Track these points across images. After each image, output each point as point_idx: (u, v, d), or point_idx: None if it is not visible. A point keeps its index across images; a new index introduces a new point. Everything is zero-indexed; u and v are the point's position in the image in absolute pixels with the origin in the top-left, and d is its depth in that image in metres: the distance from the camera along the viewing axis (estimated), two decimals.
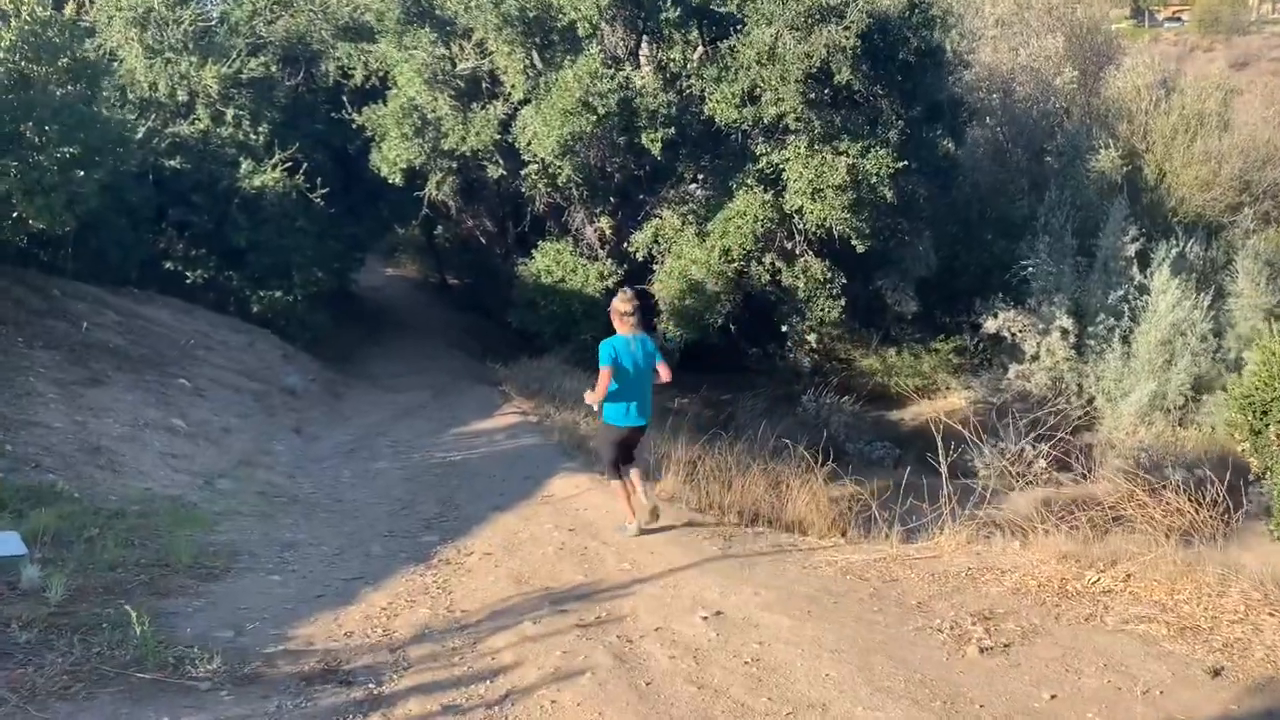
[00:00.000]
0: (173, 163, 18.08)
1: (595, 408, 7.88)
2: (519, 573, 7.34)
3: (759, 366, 25.24)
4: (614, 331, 8.00)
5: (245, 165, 18.86)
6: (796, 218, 19.59)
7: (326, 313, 20.92)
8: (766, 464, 12.38)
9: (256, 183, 18.61)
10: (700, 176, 21.63)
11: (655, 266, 20.77)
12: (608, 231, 20.90)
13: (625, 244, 20.93)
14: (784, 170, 19.53)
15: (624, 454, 8.10)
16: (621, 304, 7.88)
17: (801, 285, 19.98)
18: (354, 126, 20.34)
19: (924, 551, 8.02)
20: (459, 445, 13.69)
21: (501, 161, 19.96)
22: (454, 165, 20.06)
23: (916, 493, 19.56)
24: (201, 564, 7.17)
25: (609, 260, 21.11)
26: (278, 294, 20.08)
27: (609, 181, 20.89)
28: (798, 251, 20.01)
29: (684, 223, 20.40)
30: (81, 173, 13.44)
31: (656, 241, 20.54)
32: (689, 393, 23.93)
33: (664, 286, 20.01)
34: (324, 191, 19.52)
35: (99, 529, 7.36)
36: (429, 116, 19.22)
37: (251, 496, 9.75)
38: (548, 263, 21.39)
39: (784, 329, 22.80)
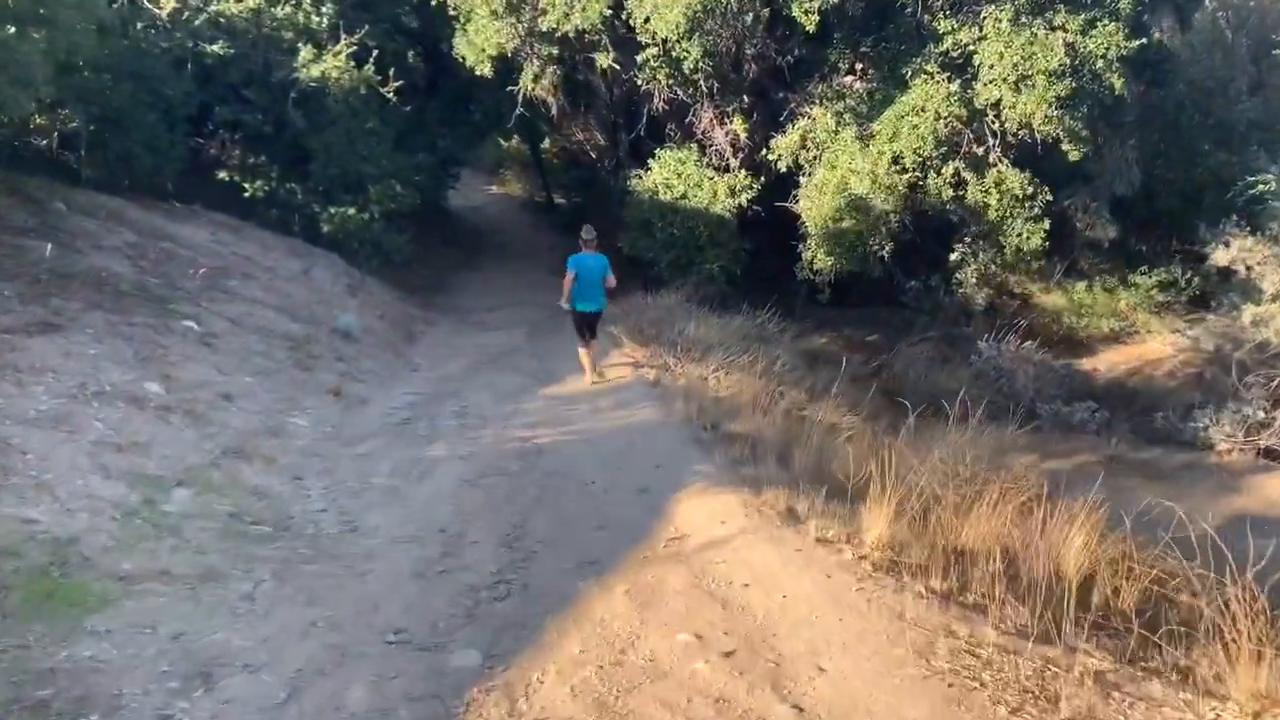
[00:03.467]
0: (215, 48, 14.29)
1: (565, 307, 11.16)
2: None
3: (916, 303, 20.57)
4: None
5: (305, 52, 14.97)
6: (991, 115, 14.77)
7: (407, 234, 17.14)
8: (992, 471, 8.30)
9: (315, 72, 14.76)
10: (860, 65, 16.86)
11: (801, 179, 16.25)
12: (742, 135, 16.41)
13: (763, 151, 16.42)
14: (975, 53, 14.67)
15: (589, 329, 11.21)
16: (586, 234, 11.11)
17: (994, 203, 15.20)
18: (434, 4, 16.16)
19: None
20: (549, 416, 9.76)
21: (611, 47, 15.55)
22: (555, 52, 15.78)
23: (1143, 471, 14.39)
24: None
25: (742, 172, 16.67)
26: (350, 211, 16.32)
27: (744, 71, 16.34)
28: (991, 159, 15.17)
29: (839, 123, 15.76)
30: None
31: (804, 147, 15.99)
32: (828, 331, 19.51)
33: (813, 205, 15.51)
34: (397, 85, 15.55)
35: None
36: None
37: (210, 528, 5.99)
38: (666, 175, 17.09)
39: (955, 258, 18.12)
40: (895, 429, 14.03)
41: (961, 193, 15.41)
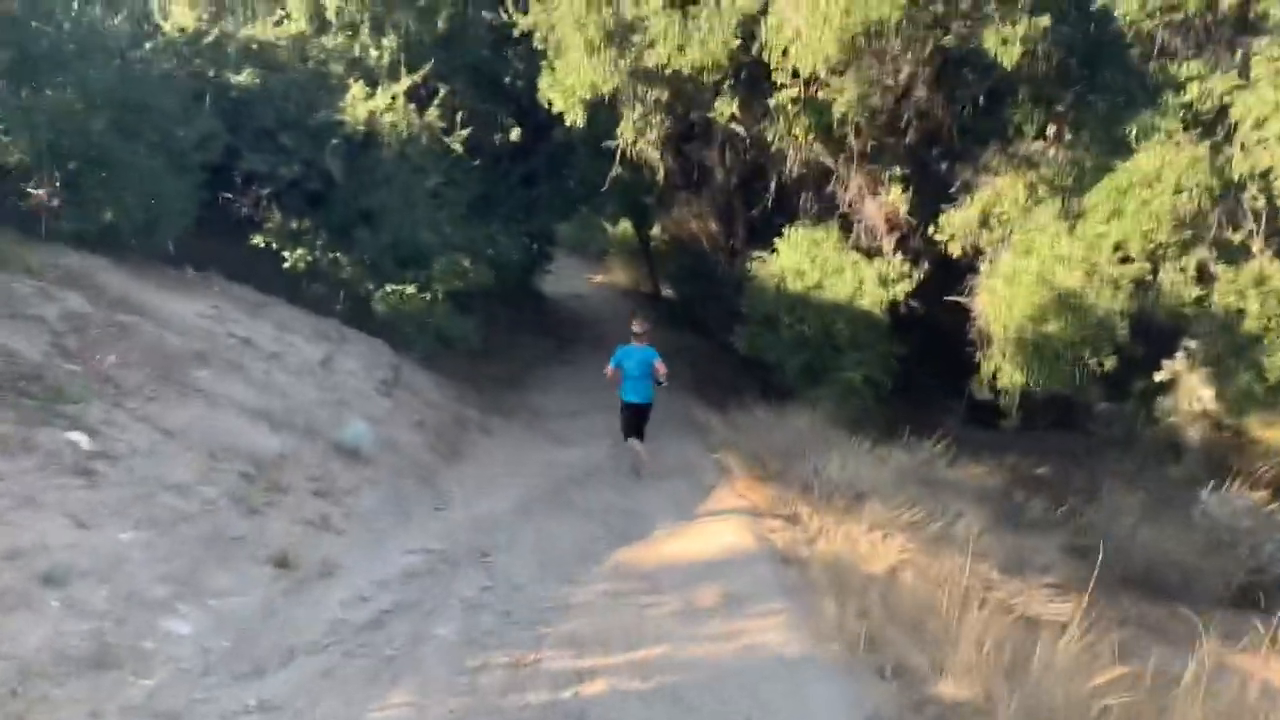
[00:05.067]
0: (241, 78, 11.22)
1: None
2: None
3: (1106, 430, 15.95)
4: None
5: (355, 89, 11.79)
6: (1254, 188, 10.49)
7: (475, 319, 13.63)
8: None
9: (361, 112, 11.49)
10: (1053, 127, 12.78)
11: (981, 265, 12.14)
12: (901, 209, 12.47)
13: (927, 230, 12.39)
14: (1233, 104, 10.50)
15: (632, 426, 10.16)
16: (637, 327, 10.35)
17: (1253, 308, 10.77)
18: (516, 37, 12.86)
19: None
20: (614, 624, 5.77)
21: (736, 91, 11.91)
22: (663, 97, 12.21)
23: None
24: None
25: (898, 256, 12.68)
26: (408, 289, 12.91)
27: (903, 129, 12.47)
28: (1254, 247, 10.81)
29: (1030, 195, 11.67)
30: None
31: (987, 225, 11.90)
32: (986, 458, 15.02)
33: (1000, 301, 11.37)
34: (465, 133, 12.25)
35: None
36: (627, 15, 11.41)
37: None
38: (797, 259, 13.23)
39: (1164, 375, 13.63)
40: (1147, 629, 9.67)
41: (1205, 292, 11.03)
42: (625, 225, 27.93)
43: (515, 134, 14.60)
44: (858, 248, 12.99)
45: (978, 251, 12.20)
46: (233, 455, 7.27)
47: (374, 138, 12.16)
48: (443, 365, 13.49)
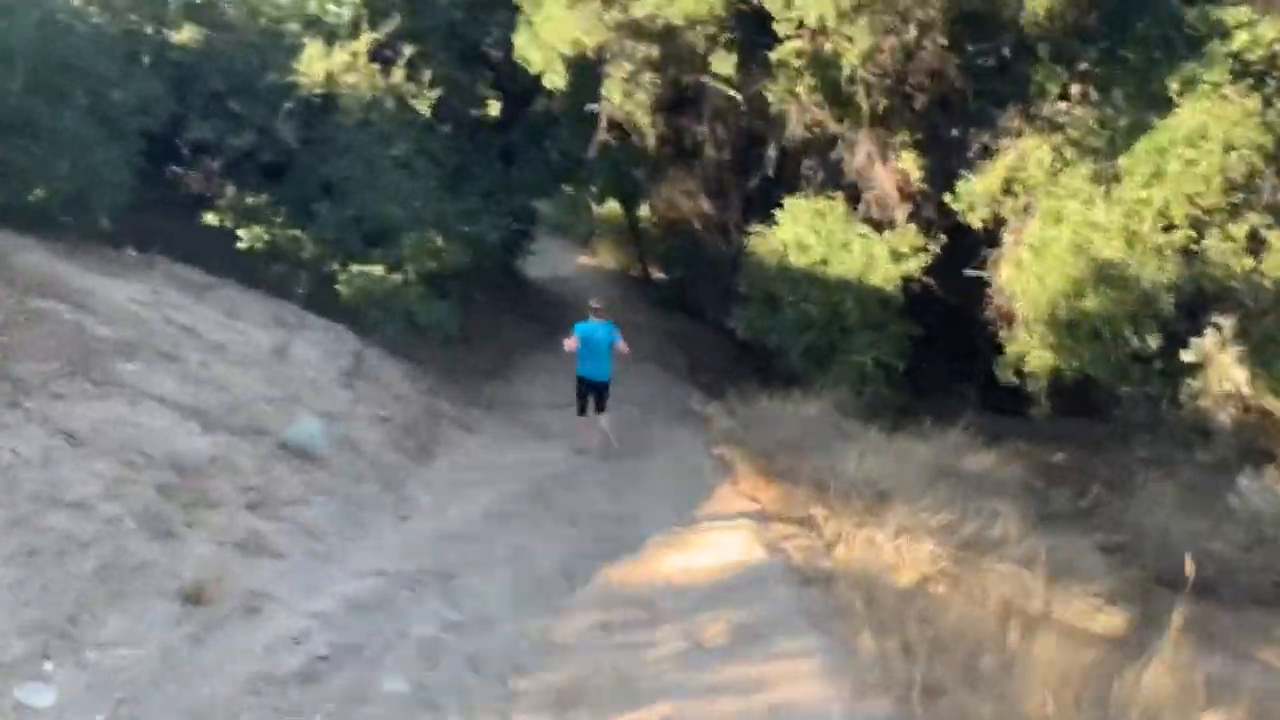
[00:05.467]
0: (182, 35, 9.96)
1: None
2: None
3: (1133, 414, 14.84)
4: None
5: (311, 48, 10.54)
6: None
7: (449, 301, 12.41)
8: None
9: (318, 71, 10.27)
10: (1079, 87, 11.61)
11: (1005, 237, 11.00)
12: (914, 176, 11.29)
13: (945, 197, 11.24)
14: None
15: (593, 401, 10.09)
16: (595, 304, 10.37)
17: None
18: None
19: None
20: (601, 668, 4.62)
21: (734, 48, 10.70)
22: (653, 54, 10.96)
23: None
24: None
25: (912, 228, 11.52)
26: (376, 271, 11.67)
27: (916, 86, 11.31)
28: None
29: (1059, 157, 10.54)
30: None
31: (1010, 192, 10.76)
32: (1001, 445, 13.87)
33: (1028, 275, 10.23)
34: (435, 95, 11.01)
35: None
36: None
37: None
38: (800, 232, 12.05)
39: (1191, 356, 12.52)
40: (1203, 636, 8.53)
41: (1258, 262, 9.92)
42: (612, 205, 26.63)
43: (494, 107, 13.37)
44: (867, 219, 11.82)
45: (999, 221, 11.05)
46: (151, 462, 6.07)
47: (333, 101, 10.93)
48: (415, 353, 12.26)
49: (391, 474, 8.26)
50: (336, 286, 11.78)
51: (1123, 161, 10.07)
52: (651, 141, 12.03)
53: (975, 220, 10.85)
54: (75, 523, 4.99)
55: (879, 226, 11.76)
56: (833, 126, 11.57)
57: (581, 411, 10.20)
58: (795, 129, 11.38)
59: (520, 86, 14.86)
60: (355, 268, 11.74)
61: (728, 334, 20.02)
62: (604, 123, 11.62)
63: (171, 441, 6.47)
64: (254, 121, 10.80)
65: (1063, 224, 10.07)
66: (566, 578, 6.30)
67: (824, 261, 11.85)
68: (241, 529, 5.89)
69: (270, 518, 6.25)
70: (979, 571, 7.27)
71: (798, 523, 7.85)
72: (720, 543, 6.97)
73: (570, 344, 9.77)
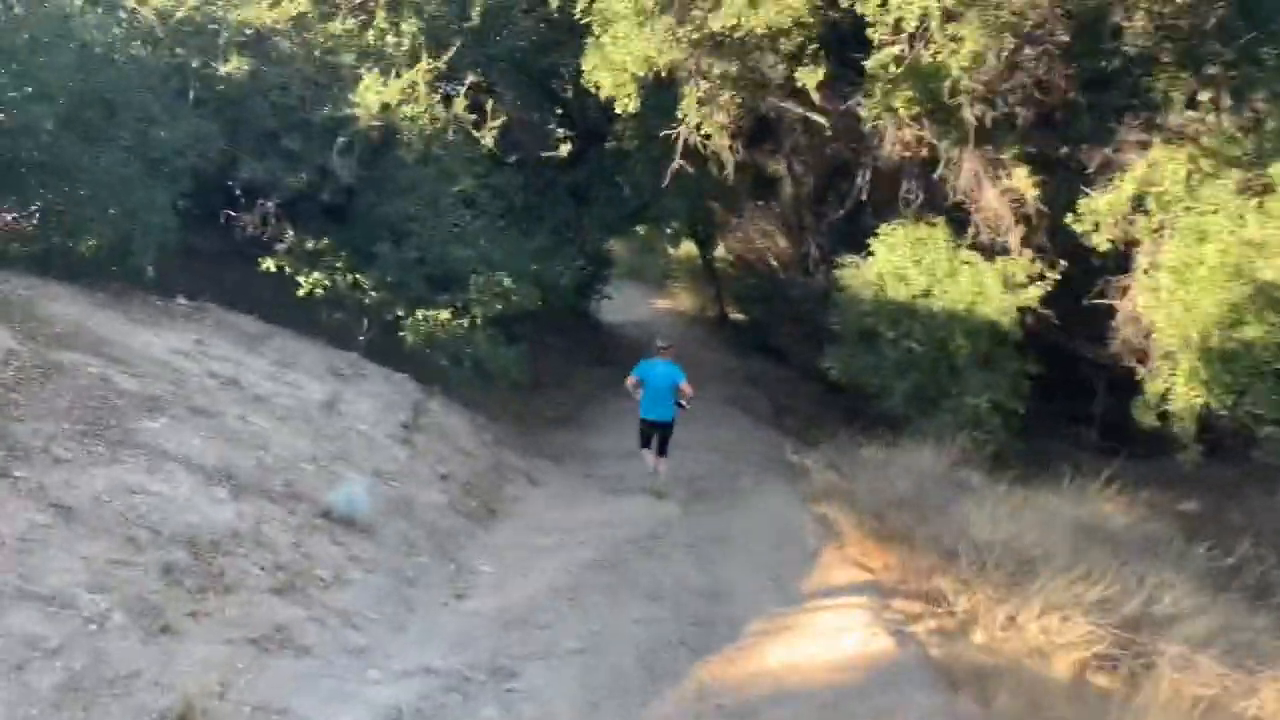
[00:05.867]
0: (228, 67, 9.28)
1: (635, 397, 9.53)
2: None
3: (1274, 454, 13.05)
4: None
5: (368, 79, 9.78)
6: None
7: (519, 347, 11.46)
8: None
9: (373, 103, 9.46)
10: (1208, 95, 10.21)
11: (1139, 260, 9.60)
12: (1028, 194, 9.97)
13: (1067, 219, 9.87)
14: None
15: (657, 443, 9.48)
16: (661, 343, 10.00)
17: None
18: (557, 20, 10.76)
19: None
20: None
21: (822, 60, 9.60)
22: (731, 70, 9.92)
23: None
24: None
25: (1026, 253, 10.19)
26: (442, 315, 10.80)
27: (1025, 97, 10.04)
28: None
29: (1196, 169, 9.14)
30: None
31: (1141, 209, 9.37)
32: (1114, 490, 12.19)
33: (1172, 304, 8.80)
34: (499, 125, 10.13)
35: None
36: None
37: None
38: (898, 261, 10.83)
39: None
40: None
41: None
42: (688, 247, 25.74)
43: (564, 145, 12.45)
44: (975, 245, 10.52)
45: (1128, 244, 9.65)
46: (158, 539, 5.12)
47: (392, 135, 10.12)
48: (481, 403, 11.33)
49: (449, 541, 7.21)
50: (401, 334, 10.96)
51: (1274, 171, 8.63)
52: (730, 169, 10.91)
53: (1102, 242, 9.47)
54: (46, 624, 4.01)
55: (988, 253, 10.44)
56: (933, 142, 10.32)
57: (645, 445, 9.64)
58: (891, 148, 10.18)
59: (591, 122, 14.03)
60: (420, 313, 10.90)
61: (813, 376, 18.73)
62: (680, 149, 10.56)
63: (189, 512, 5.53)
64: (309, 159, 10.06)
65: (1208, 243, 8.64)
66: (650, 674, 5.13)
67: (927, 293, 10.58)
68: (262, 619, 4.88)
69: (299, 602, 5.23)
70: (1151, 656, 5.90)
71: (922, 598, 6.56)
72: (835, 628, 5.73)
73: (631, 383, 9.43)
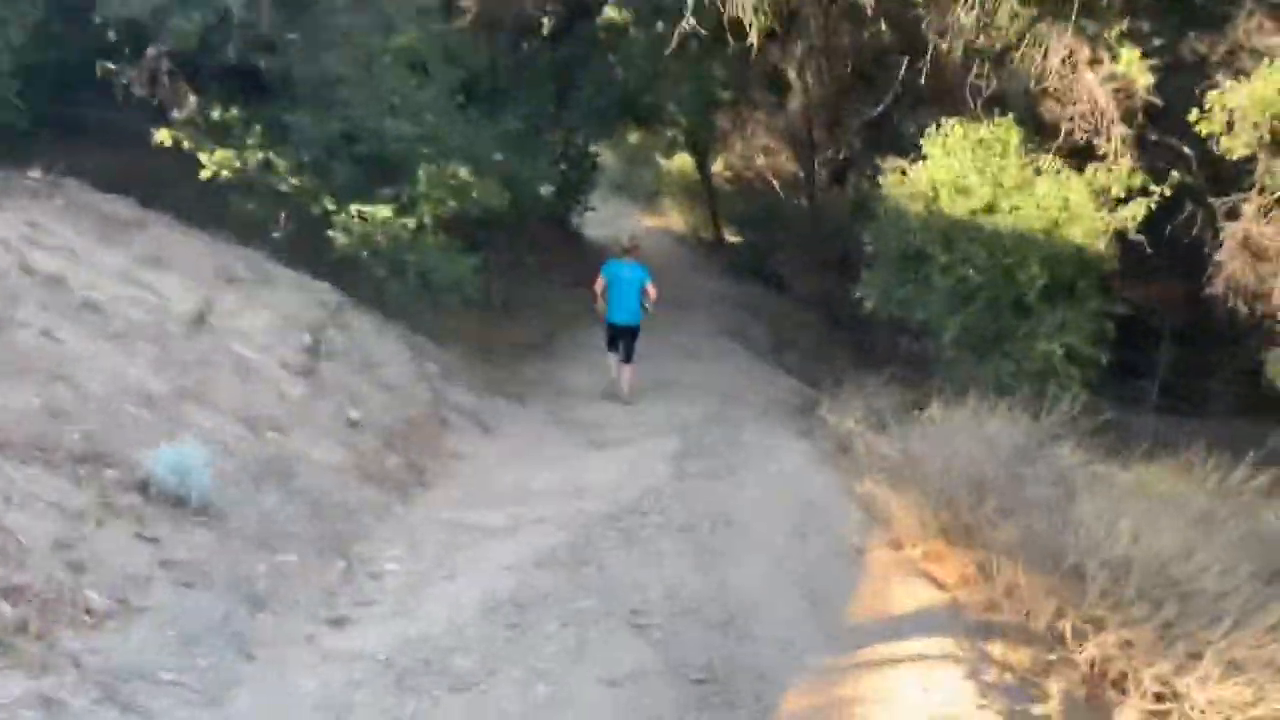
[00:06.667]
0: None
1: (598, 310, 9.19)
2: None
3: None
4: None
5: None
6: None
7: (478, 258, 9.07)
8: None
9: None
10: None
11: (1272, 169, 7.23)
12: (1140, 84, 7.51)
13: (1194, 109, 7.42)
14: None
15: (623, 347, 9.05)
16: (627, 242, 9.82)
17: None
18: None
19: None
20: None
21: None
22: None
23: None
24: None
25: (1125, 161, 7.78)
26: (382, 211, 8.37)
27: None
28: None
29: None
30: None
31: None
32: (1173, 453, 10.04)
33: None
34: None
35: None
36: None
37: None
38: (957, 169, 8.40)
39: None
40: None
41: None
42: (682, 159, 23.15)
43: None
44: (1059, 150, 8.11)
45: (1264, 145, 7.28)
46: None
47: None
48: (428, 325, 8.96)
49: (344, 523, 4.91)
50: (330, 233, 8.55)
51: None
52: (754, 38, 8.34)
53: (1237, 147, 7.09)
54: None
55: (1078, 158, 8.05)
56: (1010, 21, 7.81)
57: (612, 349, 9.18)
58: (964, 22, 7.64)
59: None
60: (355, 208, 8.48)
61: (816, 307, 16.54)
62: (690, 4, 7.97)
63: None
64: None
65: None
66: None
67: (991, 208, 8.22)
68: None
69: (46, 660, 2.93)
70: None
71: (1029, 638, 4.37)
72: (906, 682, 3.54)
73: (598, 286, 8.98)
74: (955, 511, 5.40)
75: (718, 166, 22.13)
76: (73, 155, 7.95)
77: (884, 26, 10.21)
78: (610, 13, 10.73)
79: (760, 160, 21.24)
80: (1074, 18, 7.21)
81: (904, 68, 9.69)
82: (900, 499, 5.77)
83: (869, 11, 9.30)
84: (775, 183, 20.17)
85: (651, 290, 8.90)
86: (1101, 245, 7.61)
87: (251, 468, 4.71)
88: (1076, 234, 7.65)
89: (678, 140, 20.78)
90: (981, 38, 8.23)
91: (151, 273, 6.33)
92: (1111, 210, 7.69)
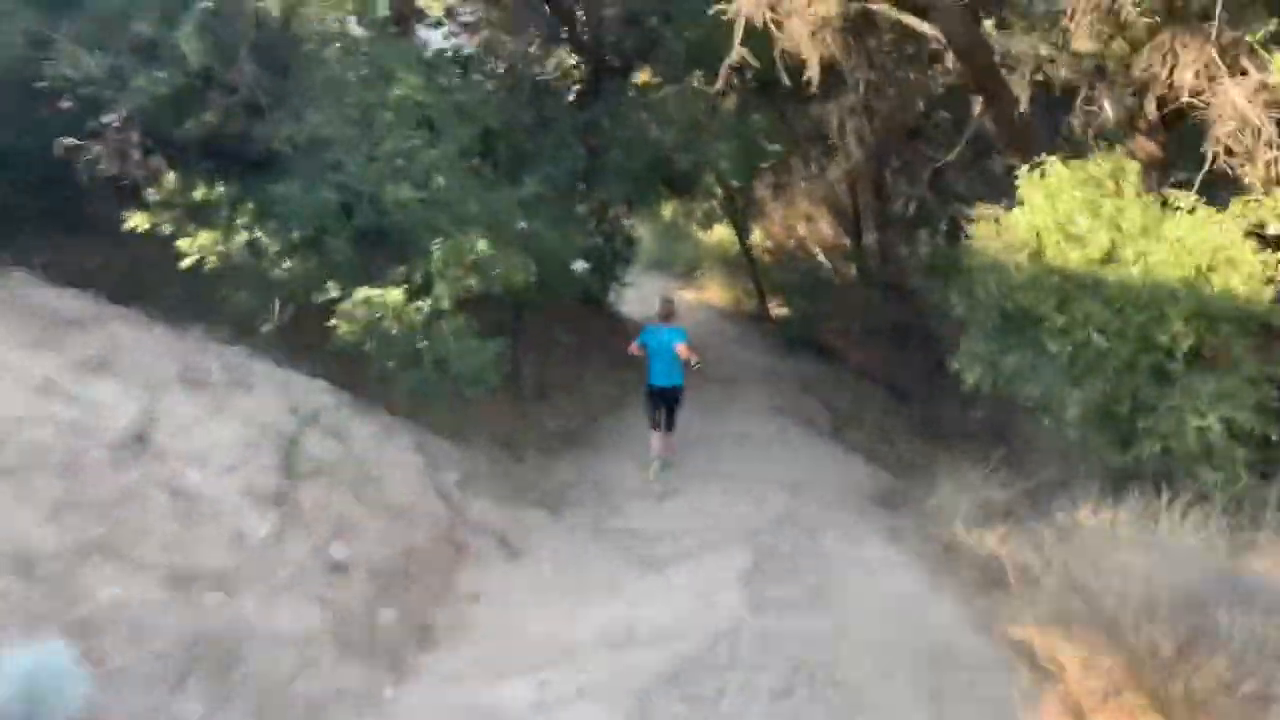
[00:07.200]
0: None
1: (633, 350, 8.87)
2: None
3: None
4: None
5: None
6: None
7: (500, 343, 7.71)
8: None
9: None
10: None
11: None
12: None
13: None
14: None
15: (664, 413, 8.67)
16: (663, 306, 9.00)
17: None
18: None
19: None
20: None
21: None
22: None
23: None
24: None
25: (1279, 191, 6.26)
26: (393, 294, 7.06)
27: None
28: None
29: None
30: None
31: None
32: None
33: None
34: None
35: None
36: None
37: None
38: (1062, 212, 6.92)
39: None
40: None
41: None
42: (721, 231, 22.05)
43: (570, 63, 8.68)
44: (1184, 182, 6.62)
45: None
46: None
47: (300, 21, 6.36)
48: (446, 420, 7.55)
49: None
50: (330, 323, 7.23)
51: None
52: (814, 71, 6.99)
53: None
54: None
55: (1209, 192, 6.54)
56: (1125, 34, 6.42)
57: (655, 425, 8.73)
58: (1082, 45, 6.23)
59: (607, 47, 10.27)
60: (363, 292, 7.18)
61: (871, 378, 15.26)
62: (740, 32, 6.65)
63: None
64: (171, 49, 6.28)
65: None
66: None
67: (1109, 258, 6.71)
68: None
69: None
70: None
71: None
72: None
73: (634, 349, 8.75)
74: (1158, 662, 3.78)
75: (756, 236, 21.02)
76: (57, 248, 6.84)
77: (951, 63, 8.91)
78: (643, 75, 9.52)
79: (802, 229, 20.22)
80: (1216, 19, 5.74)
81: (979, 108, 8.35)
82: (1064, 644, 4.15)
83: (935, 42, 8.02)
84: (819, 250, 19.06)
85: (682, 350, 8.44)
86: (1268, 295, 6.04)
87: (170, 659, 3.24)
88: (1234, 282, 6.10)
89: (714, 211, 19.69)
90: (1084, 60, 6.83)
91: (87, 380, 4.99)
92: (1275, 250, 6.14)
